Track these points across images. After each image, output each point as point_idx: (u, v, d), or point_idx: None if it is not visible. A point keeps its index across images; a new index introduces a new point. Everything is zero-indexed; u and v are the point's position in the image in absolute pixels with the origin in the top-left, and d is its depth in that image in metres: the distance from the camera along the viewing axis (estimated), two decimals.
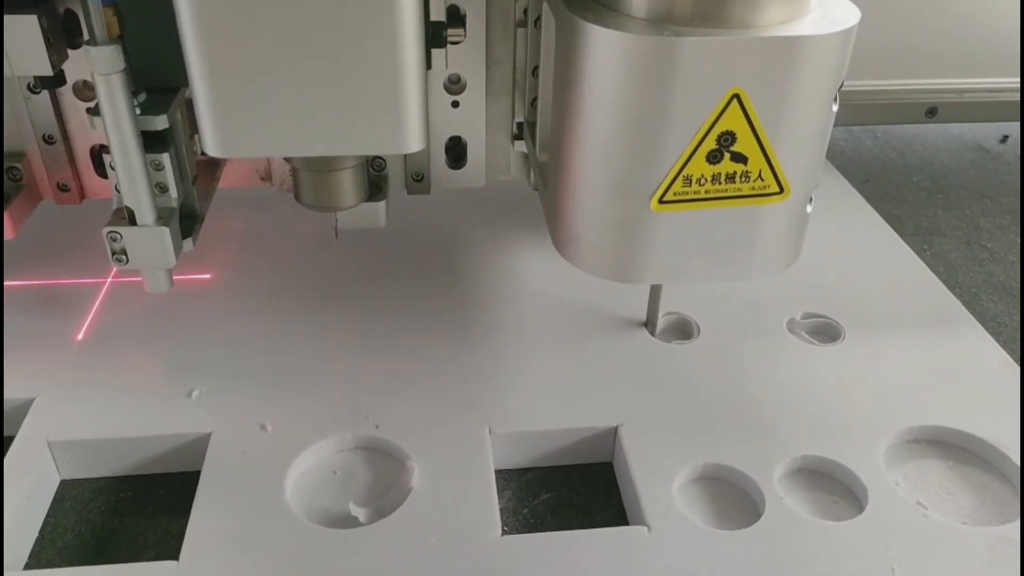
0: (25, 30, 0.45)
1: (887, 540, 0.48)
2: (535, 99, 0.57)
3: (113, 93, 0.43)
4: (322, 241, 0.74)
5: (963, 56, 0.76)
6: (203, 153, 0.46)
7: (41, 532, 0.51)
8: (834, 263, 0.73)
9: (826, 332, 0.66)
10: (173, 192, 0.49)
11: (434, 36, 0.45)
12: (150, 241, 0.49)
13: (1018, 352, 0.68)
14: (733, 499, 0.52)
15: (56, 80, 0.53)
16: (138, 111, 0.45)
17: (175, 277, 0.53)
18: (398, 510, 0.50)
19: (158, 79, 0.46)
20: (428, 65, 0.44)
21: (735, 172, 0.44)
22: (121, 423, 0.55)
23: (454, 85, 0.58)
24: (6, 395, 0.57)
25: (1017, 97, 0.78)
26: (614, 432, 0.56)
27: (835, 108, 0.45)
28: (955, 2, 0.74)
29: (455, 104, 0.58)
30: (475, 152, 0.61)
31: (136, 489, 0.54)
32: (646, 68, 0.41)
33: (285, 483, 0.51)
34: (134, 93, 0.45)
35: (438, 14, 0.52)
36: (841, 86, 0.44)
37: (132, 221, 0.48)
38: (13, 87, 0.54)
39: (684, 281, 0.48)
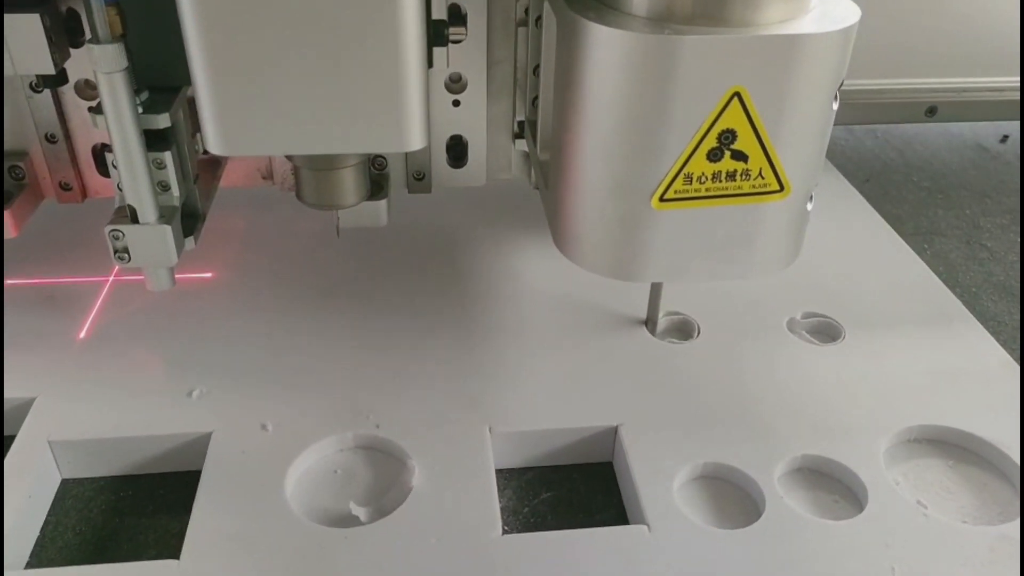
0: (27, 29, 0.45)
1: (887, 539, 0.49)
2: (536, 98, 0.57)
3: (116, 92, 0.43)
4: (323, 240, 0.75)
5: (963, 55, 0.76)
6: (205, 152, 0.46)
7: (42, 531, 0.51)
8: (834, 263, 0.73)
9: (826, 332, 0.66)
10: (175, 191, 0.49)
11: (436, 34, 0.45)
12: (152, 239, 0.49)
13: (1018, 351, 0.68)
14: (733, 498, 0.52)
15: (58, 79, 0.53)
16: (140, 110, 0.46)
17: (176, 276, 0.53)
18: (399, 509, 0.50)
19: (160, 78, 0.46)
20: (429, 64, 0.44)
21: (735, 170, 0.44)
22: (122, 422, 0.55)
23: (455, 84, 0.58)
24: (8, 394, 0.57)
25: (1017, 96, 0.78)
26: (614, 431, 0.56)
27: (835, 106, 0.45)
28: (954, 1, 0.74)
29: (456, 103, 0.58)
30: (476, 151, 0.61)
31: (137, 488, 0.54)
32: (647, 66, 0.41)
33: (286, 482, 0.51)
34: (136, 92, 0.45)
35: (439, 13, 0.53)
36: (841, 85, 0.44)
37: (134, 219, 0.48)
38: (15, 86, 0.54)
39: (685, 279, 0.48)
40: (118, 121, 0.45)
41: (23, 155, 0.57)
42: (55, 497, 0.53)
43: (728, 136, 0.43)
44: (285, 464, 0.52)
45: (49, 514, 0.52)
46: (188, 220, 0.52)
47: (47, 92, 0.55)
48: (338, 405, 0.57)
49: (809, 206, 0.48)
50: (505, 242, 0.76)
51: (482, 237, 0.76)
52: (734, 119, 0.42)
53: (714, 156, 0.43)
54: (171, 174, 0.49)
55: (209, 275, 0.70)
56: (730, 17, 0.41)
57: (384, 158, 0.60)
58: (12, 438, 0.54)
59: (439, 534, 0.48)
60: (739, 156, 0.44)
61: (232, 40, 0.40)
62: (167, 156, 0.48)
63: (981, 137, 1.06)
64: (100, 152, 0.58)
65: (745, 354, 0.62)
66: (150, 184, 0.48)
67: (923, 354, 0.63)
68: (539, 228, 0.72)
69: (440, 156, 0.61)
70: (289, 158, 0.54)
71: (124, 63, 0.43)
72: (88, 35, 0.43)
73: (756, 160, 0.44)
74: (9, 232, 0.55)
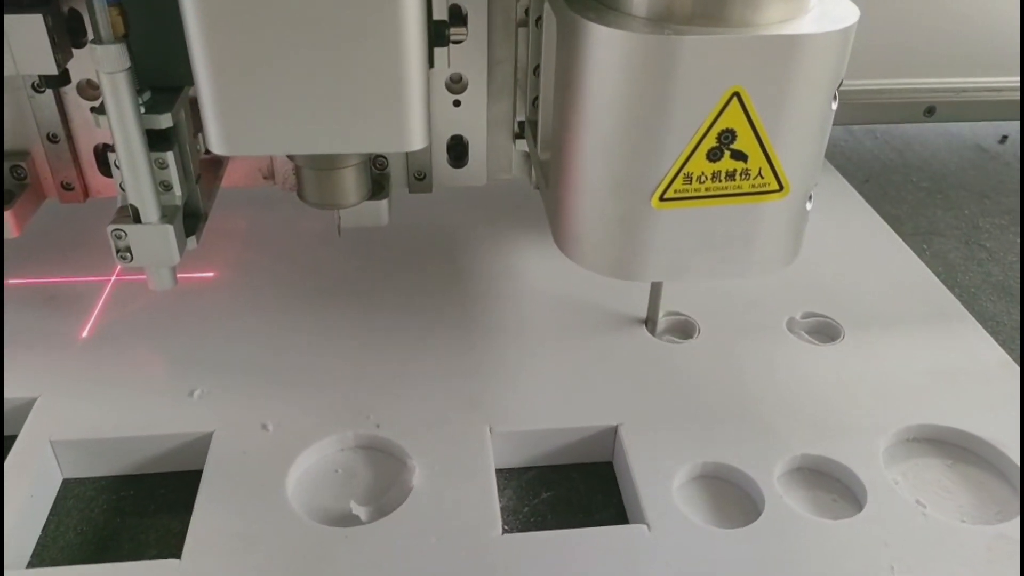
0: (30, 29, 0.45)
1: (886, 538, 0.49)
2: (536, 98, 0.57)
3: (118, 91, 0.44)
4: (324, 239, 0.75)
5: (961, 55, 0.76)
6: (207, 152, 0.47)
7: (44, 531, 0.51)
8: (833, 263, 0.73)
9: (826, 332, 0.66)
10: (177, 190, 0.50)
11: (436, 35, 0.45)
12: (154, 238, 0.49)
13: (1017, 351, 0.68)
14: (733, 498, 0.52)
15: (60, 79, 0.53)
16: (142, 109, 0.46)
17: (178, 275, 0.53)
18: (399, 509, 0.50)
19: (162, 78, 0.46)
20: (430, 64, 0.44)
21: (735, 170, 0.44)
22: (123, 422, 0.55)
23: (456, 84, 0.58)
24: (9, 394, 0.57)
25: (1014, 96, 0.78)
26: (614, 431, 0.56)
27: (834, 106, 0.45)
28: (953, 1, 0.74)
29: (457, 103, 0.58)
30: (477, 151, 0.61)
31: (138, 488, 0.54)
32: (647, 66, 0.41)
33: (286, 482, 0.51)
34: (138, 92, 0.45)
35: (440, 13, 0.53)
36: (840, 84, 0.45)
37: (136, 219, 0.49)
38: (17, 86, 0.54)
39: (685, 278, 0.49)
40: (120, 121, 0.45)
41: (25, 155, 0.57)
42: (56, 497, 0.53)
43: (728, 136, 0.43)
44: (286, 464, 0.52)
45: (50, 514, 0.52)
46: (190, 220, 0.52)
47: (49, 92, 0.55)
48: (338, 405, 0.57)
49: (808, 205, 0.48)
50: (505, 242, 0.76)
51: (483, 237, 0.76)
52: (734, 119, 0.42)
53: (714, 156, 0.44)
54: (173, 174, 0.49)
55: (211, 274, 0.70)
56: (730, 17, 0.41)
57: (385, 158, 0.60)
58: (14, 438, 0.54)
59: (439, 534, 0.48)
60: (738, 156, 0.44)
61: (234, 40, 0.40)
62: (169, 156, 0.48)
63: (980, 138, 1.06)
64: (102, 152, 0.58)
65: (745, 354, 0.62)
66: (152, 184, 0.48)
67: (922, 354, 0.63)
68: (539, 228, 0.72)
69: (441, 156, 0.61)
70: (291, 158, 0.54)
71: (126, 63, 0.43)
72: (91, 35, 0.43)
73: (755, 160, 0.44)
74: (11, 232, 0.55)
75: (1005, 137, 1.06)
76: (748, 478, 0.52)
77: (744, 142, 0.43)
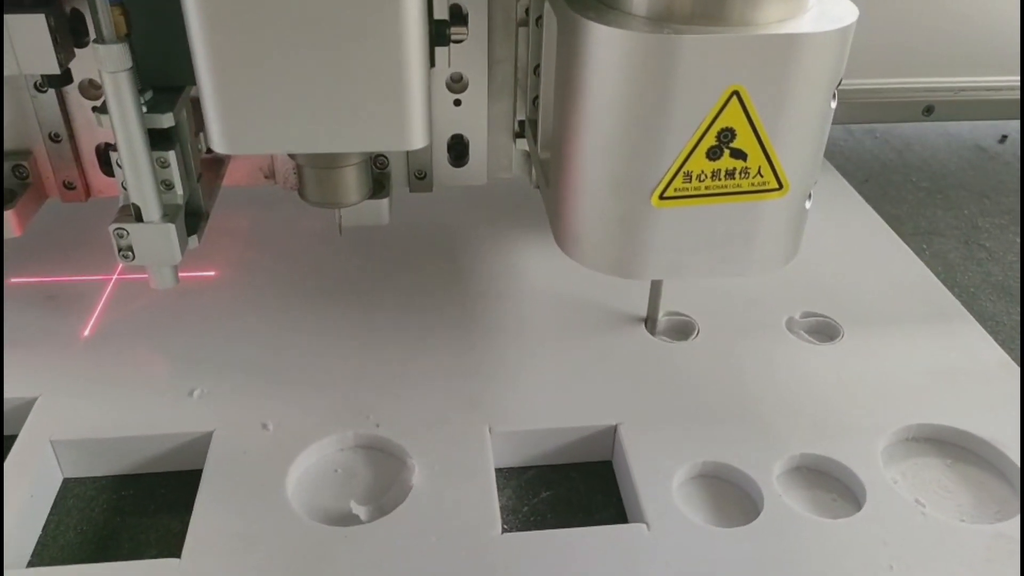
0: (33, 29, 0.45)
1: (885, 537, 0.49)
2: (536, 97, 0.57)
3: (120, 91, 0.44)
4: (325, 238, 0.75)
5: (959, 55, 0.77)
6: (208, 151, 0.47)
7: (44, 530, 0.51)
8: (833, 263, 0.73)
9: (825, 331, 0.66)
10: (179, 189, 0.50)
11: (437, 34, 0.45)
12: (156, 237, 0.49)
13: (1016, 351, 0.68)
14: (732, 497, 0.52)
15: (63, 79, 0.53)
16: (144, 109, 0.46)
17: (180, 274, 0.53)
18: (399, 508, 0.50)
19: (163, 78, 0.47)
20: (431, 63, 0.45)
21: (735, 168, 0.44)
22: (123, 422, 0.55)
23: (456, 84, 0.58)
24: (10, 394, 0.57)
25: (1012, 96, 0.78)
26: (613, 430, 0.56)
27: (834, 105, 0.45)
28: (952, 1, 0.74)
29: (457, 103, 0.58)
30: (477, 150, 0.61)
31: (138, 487, 0.54)
32: (647, 66, 0.41)
33: (286, 481, 0.51)
34: (140, 91, 0.45)
35: (441, 12, 0.53)
36: (839, 83, 0.45)
37: (138, 218, 0.49)
38: (19, 85, 0.55)
39: (684, 276, 0.49)
40: (123, 120, 0.45)
41: (27, 154, 0.58)
42: (57, 496, 0.54)
43: (727, 134, 0.43)
44: (286, 463, 0.52)
45: (51, 513, 0.52)
46: (192, 219, 0.52)
47: (51, 92, 0.55)
48: (338, 404, 0.57)
49: (808, 204, 0.48)
50: (506, 241, 0.76)
51: (483, 236, 0.76)
52: (733, 118, 0.43)
53: (713, 154, 0.44)
54: (175, 173, 0.49)
55: (212, 274, 0.70)
56: (729, 16, 0.41)
57: (386, 157, 0.60)
58: (14, 437, 0.54)
59: (439, 533, 0.48)
60: (738, 154, 0.44)
61: (235, 39, 0.40)
62: (171, 155, 0.48)
63: (980, 137, 1.06)
64: (104, 151, 0.59)
65: (744, 353, 0.62)
66: (154, 183, 0.48)
67: (921, 353, 0.63)
68: (540, 227, 0.72)
69: (441, 155, 0.61)
70: (292, 157, 0.54)
71: (128, 63, 0.43)
72: (93, 35, 0.43)
73: (755, 158, 0.44)
74: (13, 231, 0.56)
75: (1005, 137, 1.07)
76: (747, 477, 0.52)
77: (743, 141, 0.43)
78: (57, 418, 0.55)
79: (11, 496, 0.50)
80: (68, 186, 0.59)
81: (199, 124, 0.46)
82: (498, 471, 0.54)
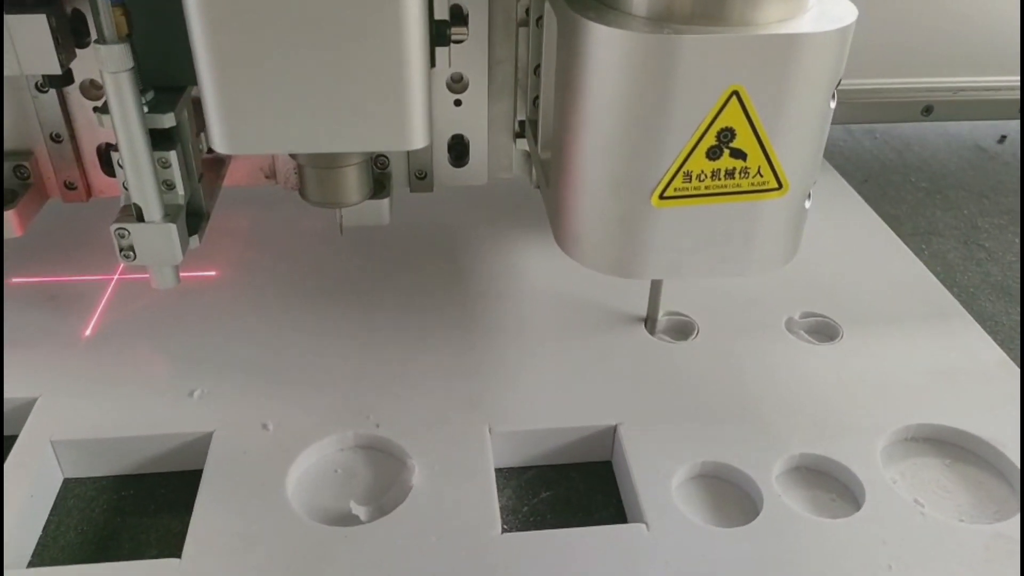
0: (34, 29, 0.46)
1: (884, 537, 0.49)
2: (537, 97, 0.58)
3: (121, 91, 0.44)
4: (326, 238, 0.75)
5: (958, 55, 0.77)
6: (209, 151, 0.47)
7: (44, 530, 0.51)
8: (832, 263, 0.73)
9: (824, 331, 0.66)
10: (180, 189, 0.50)
11: (438, 34, 0.45)
12: (157, 237, 0.49)
13: (1015, 351, 0.68)
14: (731, 497, 0.52)
15: (64, 79, 0.53)
16: (145, 109, 0.46)
17: (181, 274, 0.53)
18: (399, 508, 0.50)
19: (164, 78, 0.47)
20: (432, 63, 0.45)
21: (734, 168, 0.44)
22: (124, 422, 0.55)
23: (457, 84, 0.58)
24: (10, 394, 0.57)
25: (1012, 96, 0.79)
26: (613, 431, 0.56)
27: (833, 105, 0.45)
28: (952, 1, 0.74)
29: (458, 103, 0.59)
30: (477, 150, 0.61)
31: (138, 488, 0.54)
32: (647, 66, 0.42)
33: (286, 481, 0.51)
34: (141, 91, 0.45)
35: (441, 13, 0.53)
36: (839, 83, 0.45)
37: (140, 218, 0.49)
38: (20, 86, 0.55)
39: (684, 276, 0.49)
40: (124, 120, 0.45)
41: (28, 155, 0.58)
42: (57, 496, 0.54)
43: (727, 134, 0.43)
44: (286, 463, 0.52)
45: (51, 513, 0.52)
46: (193, 219, 0.52)
47: (52, 92, 0.55)
48: (338, 404, 0.57)
49: (807, 204, 0.48)
50: (506, 241, 0.76)
51: (483, 236, 0.77)
52: (733, 117, 0.43)
53: (713, 154, 0.44)
54: (176, 173, 0.49)
55: (213, 273, 0.70)
56: (729, 16, 0.41)
57: (386, 157, 0.60)
58: (14, 438, 0.54)
59: (439, 533, 0.48)
60: (738, 154, 0.44)
61: (237, 39, 0.40)
62: (172, 155, 0.48)
63: (979, 137, 1.06)
64: (105, 151, 0.59)
65: (743, 353, 0.63)
66: (155, 183, 0.48)
67: (921, 354, 0.63)
68: (540, 227, 0.72)
69: (442, 155, 0.61)
70: (293, 156, 0.54)
71: (130, 63, 0.43)
72: (94, 35, 0.43)
73: (755, 158, 0.44)
74: (15, 231, 0.56)
75: (1004, 137, 1.07)
76: (747, 477, 0.52)
77: (743, 140, 0.43)
78: (57, 418, 0.55)
79: (11, 496, 0.50)
80: (69, 186, 0.59)
81: (200, 124, 0.46)
82: (498, 471, 0.54)
